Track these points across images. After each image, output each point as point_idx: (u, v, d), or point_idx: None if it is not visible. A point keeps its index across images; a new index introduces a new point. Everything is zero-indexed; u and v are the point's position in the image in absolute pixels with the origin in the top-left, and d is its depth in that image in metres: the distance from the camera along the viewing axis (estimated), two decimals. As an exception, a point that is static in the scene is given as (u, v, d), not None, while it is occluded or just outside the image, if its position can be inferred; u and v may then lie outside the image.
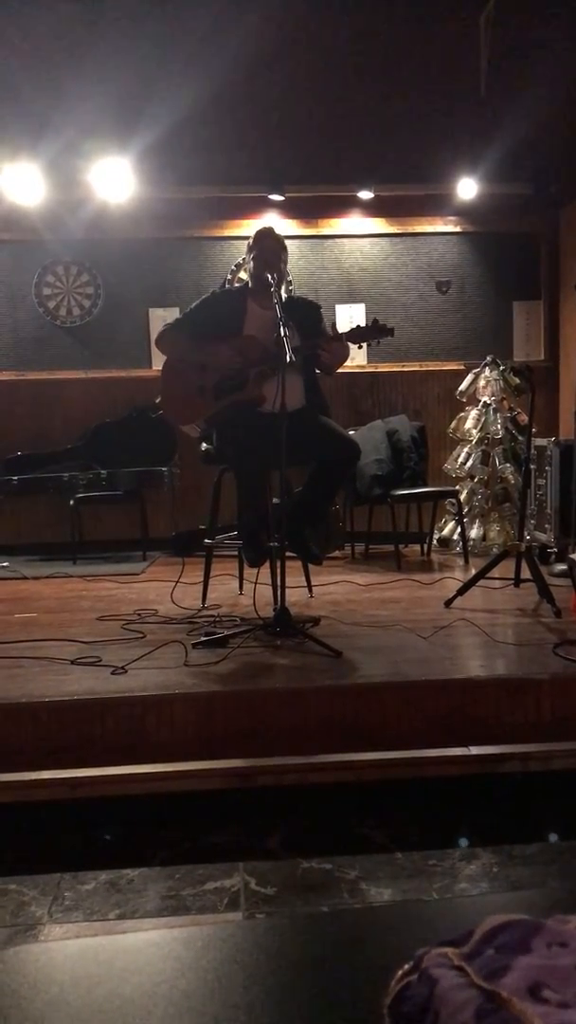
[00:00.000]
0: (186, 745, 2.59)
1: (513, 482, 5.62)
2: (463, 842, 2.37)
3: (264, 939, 0.88)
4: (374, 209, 6.28)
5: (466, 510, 5.64)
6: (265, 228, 3.85)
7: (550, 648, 3.04)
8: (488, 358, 5.85)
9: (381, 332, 3.49)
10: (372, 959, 0.81)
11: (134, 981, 0.79)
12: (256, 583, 3.59)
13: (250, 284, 3.82)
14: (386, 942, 0.85)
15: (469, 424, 5.81)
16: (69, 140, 5.47)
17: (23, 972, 0.81)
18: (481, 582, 3.89)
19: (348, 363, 3.77)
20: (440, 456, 6.02)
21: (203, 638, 3.25)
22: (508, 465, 5.69)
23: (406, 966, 0.66)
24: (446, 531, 5.86)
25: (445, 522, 5.89)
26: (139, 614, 3.81)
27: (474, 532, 5.68)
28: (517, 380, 5.59)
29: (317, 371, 3.70)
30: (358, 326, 3.52)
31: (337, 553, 5.64)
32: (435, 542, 5.80)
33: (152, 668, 2.92)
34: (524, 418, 5.51)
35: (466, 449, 5.80)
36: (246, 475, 3.59)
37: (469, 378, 5.92)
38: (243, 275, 6.08)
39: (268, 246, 3.71)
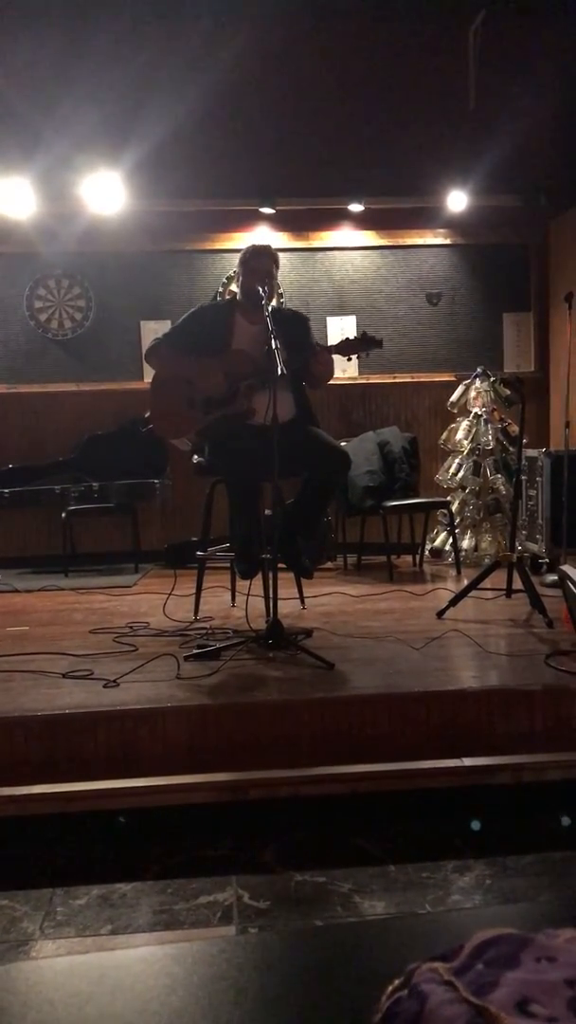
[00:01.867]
0: (178, 758, 2.59)
1: (504, 493, 5.63)
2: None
3: (255, 955, 0.87)
4: (365, 222, 6.31)
5: (458, 521, 5.65)
6: (261, 245, 3.86)
7: (542, 659, 3.05)
8: (479, 369, 5.87)
9: (370, 344, 3.49)
10: (364, 973, 0.80)
11: (124, 998, 0.79)
12: (248, 595, 3.59)
13: (239, 297, 3.83)
14: (378, 956, 0.85)
15: (460, 435, 5.83)
16: (61, 154, 5.50)
17: (13, 990, 0.81)
18: (473, 593, 3.90)
19: (339, 374, 3.79)
20: (431, 467, 6.03)
21: (195, 651, 3.25)
22: (499, 476, 5.71)
23: (396, 981, 0.66)
24: (438, 542, 5.87)
25: (437, 533, 5.90)
26: (131, 627, 3.81)
27: (466, 543, 5.69)
28: (508, 391, 5.62)
29: (304, 384, 3.71)
30: (347, 338, 3.53)
31: (329, 564, 5.65)
32: (427, 553, 5.80)
33: (144, 681, 2.92)
34: (515, 429, 5.54)
35: (457, 460, 5.82)
36: (238, 487, 3.59)
37: (460, 389, 5.94)
38: (234, 287, 6.09)
39: (263, 264, 3.72)
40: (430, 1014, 0.59)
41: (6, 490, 5.78)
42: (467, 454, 5.78)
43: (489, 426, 5.75)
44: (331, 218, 6.31)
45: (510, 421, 5.75)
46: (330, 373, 3.66)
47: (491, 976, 0.60)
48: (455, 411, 5.96)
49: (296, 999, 0.78)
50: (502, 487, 5.67)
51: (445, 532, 5.72)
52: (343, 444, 4.31)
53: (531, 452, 5.22)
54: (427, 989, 0.62)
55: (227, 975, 0.81)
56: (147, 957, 0.90)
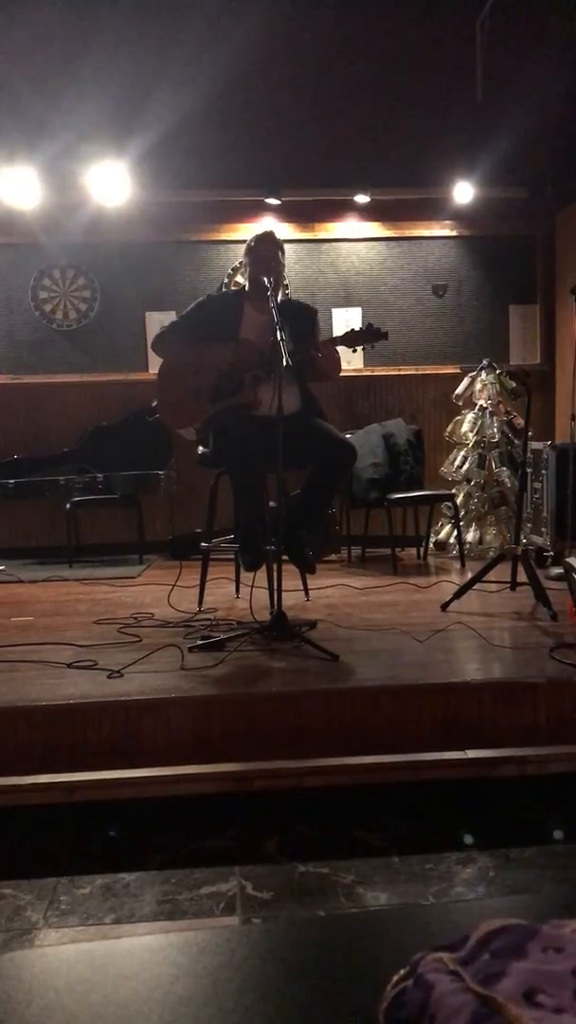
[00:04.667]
0: (182, 749, 2.59)
1: (509, 485, 5.62)
2: (467, 839, 2.37)
3: (260, 944, 0.87)
4: (371, 213, 6.29)
5: (462, 513, 5.64)
6: (265, 232, 3.85)
7: (546, 651, 3.04)
8: (484, 362, 5.86)
9: (375, 335, 3.48)
10: (368, 964, 0.80)
11: (129, 986, 0.79)
12: (253, 587, 3.59)
13: (247, 287, 3.83)
14: (382, 947, 0.85)
15: (465, 428, 5.81)
16: (66, 144, 5.48)
17: (18, 977, 0.81)
18: (477, 586, 3.89)
19: (345, 366, 3.77)
20: (436, 460, 6.02)
21: (200, 642, 3.25)
22: (504, 468, 5.70)
23: (402, 971, 0.66)
24: (442, 534, 5.86)
25: (441, 525, 5.90)
26: (135, 618, 3.81)
27: (470, 535, 5.68)
28: (513, 384, 5.60)
29: (312, 378, 3.69)
30: (352, 330, 3.51)
31: (334, 557, 5.65)
32: (431, 545, 5.80)
33: (148, 672, 2.92)
34: (520, 422, 5.52)
35: (462, 453, 5.81)
36: (243, 479, 3.59)
37: (465, 382, 5.92)
38: (239, 278, 6.08)
39: (267, 250, 3.71)
40: (436, 1003, 0.59)
41: (11, 481, 5.78)
42: (472, 447, 5.77)
43: (494, 419, 5.73)
44: (337, 209, 6.28)
45: (515, 414, 5.73)
46: (336, 368, 3.64)
47: (498, 966, 0.60)
48: (460, 403, 5.94)
49: (301, 989, 0.78)
50: (507, 480, 5.66)
51: (450, 525, 5.71)
52: (348, 436, 4.31)
53: (536, 445, 5.21)
54: (433, 979, 0.62)
55: (231, 964, 0.81)
56: (151, 946, 0.90)
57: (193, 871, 2.24)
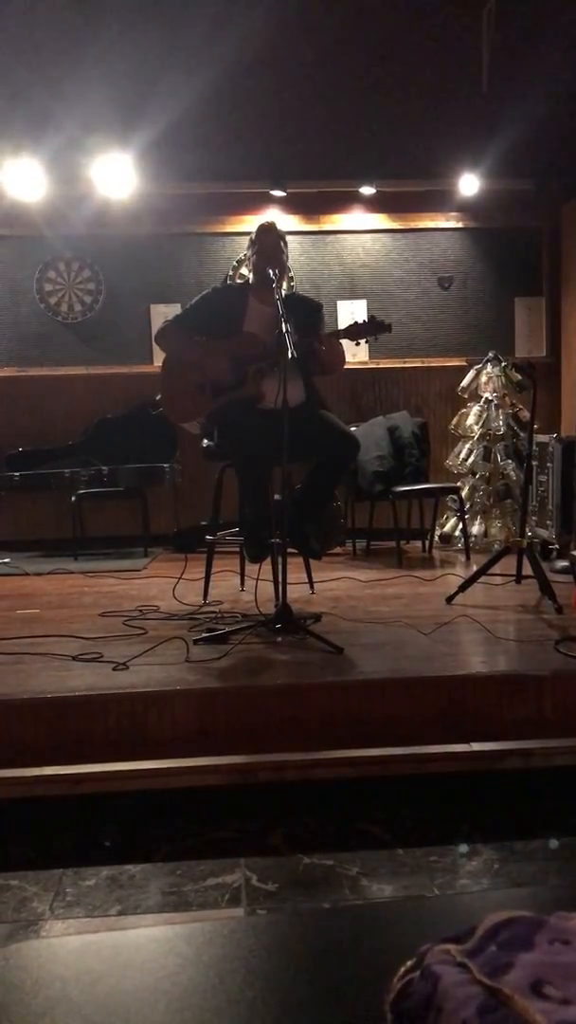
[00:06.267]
0: (187, 741, 2.59)
1: (515, 478, 5.61)
2: (463, 847, 2.37)
3: (265, 935, 0.87)
4: (376, 205, 6.27)
5: (468, 506, 5.63)
6: (266, 223, 3.85)
7: (551, 644, 3.04)
8: (490, 354, 5.84)
9: (378, 328, 3.47)
10: (373, 955, 0.80)
11: (135, 977, 0.79)
12: (257, 579, 3.59)
13: (251, 280, 3.82)
14: (387, 938, 0.85)
15: (471, 420, 5.80)
16: (71, 136, 5.46)
17: (25, 968, 0.81)
18: (482, 578, 3.89)
19: (349, 359, 3.76)
20: (442, 452, 6.01)
21: (204, 634, 3.25)
22: (510, 461, 5.68)
23: (408, 963, 0.66)
24: (448, 527, 5.85)
25: (447, 518, 5.89)
26: (141, 610, 3.81)
27: (476, 528, 5.67)
28: (519, 376, 5.58)
29: (315, 371, 3.68)
30: (355, 322, 3.50)
31: (338, 549, 5.64)
32: (436, 538, 5.79)
33: (153, 664, 2.92)
34: (526, 414, 5.51)
35: (468, 445, 5.79)
36: (247, 471, 3.59)
37: (471, 374, 5.91)
38: (244, 271, 6.07)
39: (269, 241, 3.71)
40: (443, 995, 0.59)
41: (16, 473, 5.79)
42: (477, 439, 5.75)
43: (500, 411, 5.72)
44: (342, 201, 6.27)
45: (521, 406, 5.71)
46: (339, 361, 3.62)
47: (505, 958, 0.60)
48: (466, 396, 5.93)
49: (306, 980, 0.78)
50: (512, 473, 5.65)
51: (455, 518, 5.70)
52: (353, 429, 4.30)
53: (542, 438, 5.19)
54: (440, 970, 0.62)
55: (237, 955, 0.81)
56: (158, 936, 0.91)
57: (198, 863, 2.24)
